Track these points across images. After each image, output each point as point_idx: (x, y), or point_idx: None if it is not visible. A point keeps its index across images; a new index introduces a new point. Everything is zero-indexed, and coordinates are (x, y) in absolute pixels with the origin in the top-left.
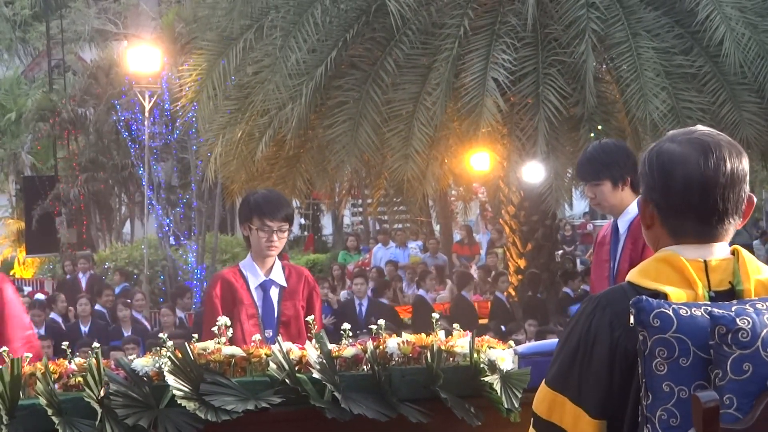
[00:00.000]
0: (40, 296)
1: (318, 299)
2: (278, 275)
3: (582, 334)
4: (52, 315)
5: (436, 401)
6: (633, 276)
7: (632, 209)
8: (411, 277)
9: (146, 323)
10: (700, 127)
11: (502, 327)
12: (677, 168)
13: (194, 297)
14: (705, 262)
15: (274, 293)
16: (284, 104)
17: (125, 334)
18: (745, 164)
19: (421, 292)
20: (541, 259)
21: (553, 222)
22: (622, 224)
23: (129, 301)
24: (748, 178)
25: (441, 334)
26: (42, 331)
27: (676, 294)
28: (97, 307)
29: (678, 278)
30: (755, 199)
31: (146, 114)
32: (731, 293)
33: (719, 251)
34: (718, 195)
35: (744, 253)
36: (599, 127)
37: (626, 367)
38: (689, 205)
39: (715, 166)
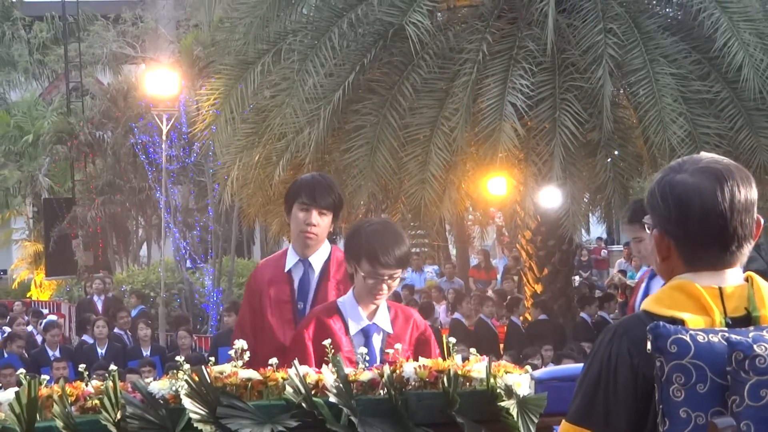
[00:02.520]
0: (53, 317)
1: (433, 344)
2: (383, 319)
3: (603, 363)
4: (116, 330)
5: (452, 426)
6: (648, 305)
7: (325, 248)
8: (425, 300)
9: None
10: (704, 155)
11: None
12: (694, 199)
13: (211, 320)
14: (720, 288)
15: (376, 340)
16: (302, 128)
17: (144, 354)
18: (754, 187)
19: (457, 315)
20: (558, 284)
21: (569, 247)
22: (317, 263)
23: (150, 321)
24: (756, 200)
25: (458, 358)
26: (57, 353)
27: (694, 320)
28: (116, 329)
29: (694, 305)
30: (763, 221)
31: (164, 137)
32: (747, 319)
33: (733, 278)
34: (737, 222)
35: (758, 279)
36: (615, 153)
37: (646, 394)
38: (709, 235)
39: (731, 195)
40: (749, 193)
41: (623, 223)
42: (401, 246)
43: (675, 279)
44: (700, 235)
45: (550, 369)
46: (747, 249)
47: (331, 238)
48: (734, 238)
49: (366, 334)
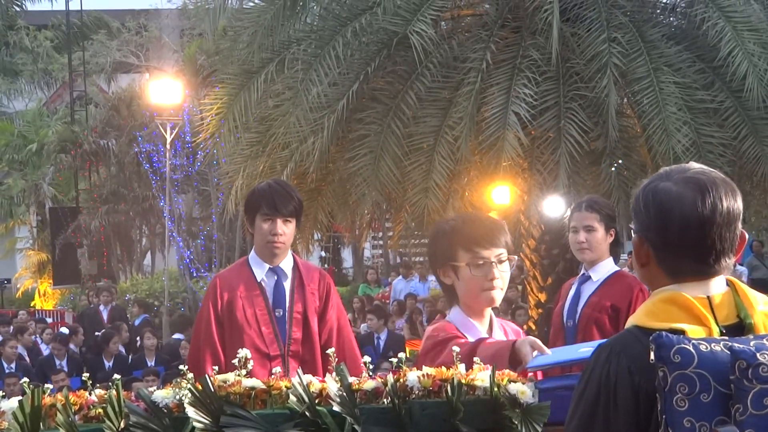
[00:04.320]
0: (64, 330)
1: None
2: (500, 335)
3: (601, 382)
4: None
5: None
6: (639, 319)
7: (289, 255)
8: (431, 310)
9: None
10: (693, 164)
11: None
12: (674, 208)
13: None
14: (708, 298)
15: None
16: (306, 137)
17: (149, 364)
18: (739, 202)
19: None
20: None
21: (573, 256)
22: (287, 270)
23: (155, 330)
24: (741, 215)
25: (461, 367)
26: (64, 364)
27: (693, 331)
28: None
29: (687, 316)
30: (747, 236)
31: (167, 146)
32: (740, 327)
33: (717, 286)
34: (716, 234)
35: (740, 284)
36: (619, 161)
37: (647, 411)
38: (686, 244)
39: (712, 206)
40: (732, 206)
41: (578, 211)
42: (500, 227)
43: (662, 291)
44: (677, 244)
45: (554, 377)
46: (726, 263)
47: (336, 247)
48: (712, 251)
49: None
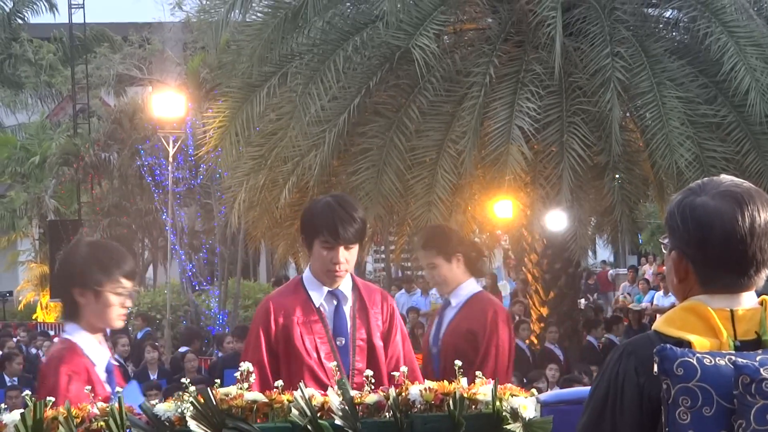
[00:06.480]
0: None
1: None
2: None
3: (611, 380)
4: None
5: None
6: (659, 324)
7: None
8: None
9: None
10: (724, 177)
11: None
12: (715, 223)
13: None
14: (731, 311)
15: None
16: (307, 151)
17: (151, 377)
18: None
19: None
20: (564, 307)
21: (576, 270)
22: (347, 292)
23: (156, 343)
24: None
25: (463, 381)
26: None
27: (700, 342)
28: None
29: (703, 327)
30: None
31: (170, 159)
32: (757, 343)
33: (747, 301)
34: (756, 247)
35: None
36: (622, 175)
37: (651, 413)
38: (728, 259)
39: (751, 219)
40: None
41: (418, 249)
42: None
43: (688, 300)
44: (719, 258)
45: (556, 392)
46: (765, 273)
47: None
48: (753, 263)
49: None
